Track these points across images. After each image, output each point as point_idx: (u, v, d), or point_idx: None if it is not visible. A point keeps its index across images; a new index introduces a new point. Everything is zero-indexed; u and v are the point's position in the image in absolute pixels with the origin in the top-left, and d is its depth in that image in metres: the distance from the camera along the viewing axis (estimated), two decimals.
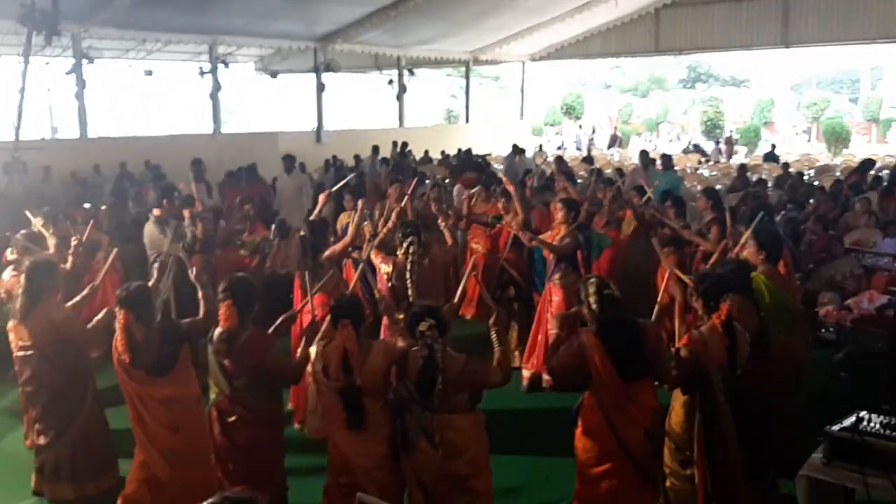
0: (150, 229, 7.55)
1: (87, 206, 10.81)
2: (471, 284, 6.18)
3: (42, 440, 5.01)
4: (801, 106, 38.17)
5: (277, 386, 4.57)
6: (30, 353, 4.93)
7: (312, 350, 4.36)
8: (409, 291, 5.57)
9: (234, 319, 4.23)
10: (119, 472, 5.05)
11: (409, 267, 5.60)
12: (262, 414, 4.38)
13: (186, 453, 4.32)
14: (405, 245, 5.65)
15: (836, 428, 4.11)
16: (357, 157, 16.97)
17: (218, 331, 4.29)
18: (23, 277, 4.99)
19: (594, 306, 4.25)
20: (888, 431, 4.03)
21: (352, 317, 4.10)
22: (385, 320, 5.83)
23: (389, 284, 5.67)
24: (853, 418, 4.16)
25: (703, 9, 22.07)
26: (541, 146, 24.13)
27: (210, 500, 2.17)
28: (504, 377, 4.11)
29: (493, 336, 4.20)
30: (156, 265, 7.00)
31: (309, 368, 4.44)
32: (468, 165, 13.70)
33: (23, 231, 6.46)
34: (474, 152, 19.61)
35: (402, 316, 4.87)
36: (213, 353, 4.31)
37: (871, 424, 4.11)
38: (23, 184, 12.35)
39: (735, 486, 4.21)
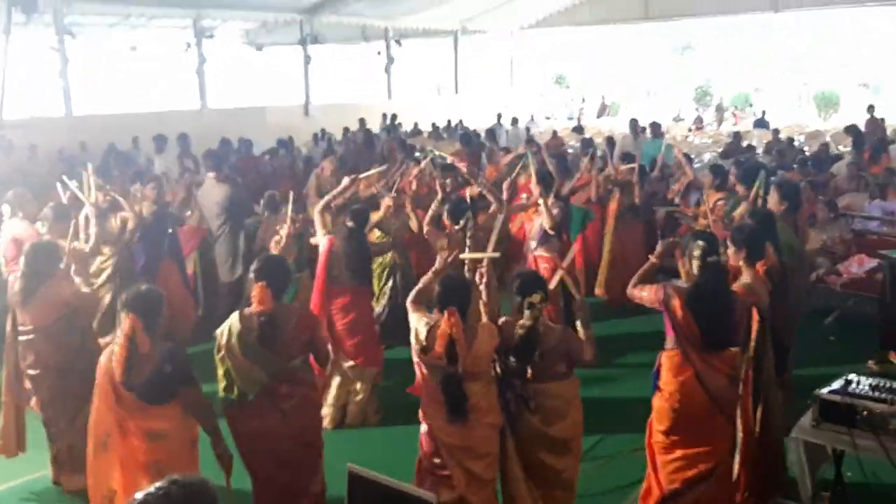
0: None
1: (73, 184, 10.71)
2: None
3: (53, 428, 4.88)
4: (790, 71, 38.06)
5: None
6: (31, 336, 4.78)
7: (415, 319, 4.10)
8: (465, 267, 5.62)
9: (269, 301, 4.03)
10: None
11: (467, 243, 5.63)
12: (316, 389, 4.33)
13: None
14: (462, 222, 5.83)
15: (825, 391, 4.14)
16: (346, 130, 16.87)
17: (255, 315, 4.05)
18: (21, 261, 4.84)
19: (695, 269, 4.22)
20: (876, 393, 4.05)
21: (460, 303, 3.93)
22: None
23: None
24: (842, 381, 4.19)
25: None
26: (532, 116, 23.97)
27: (158, 484, 2.07)
28: (593, 356, 4.15)
29: (579, 321, 4.17)
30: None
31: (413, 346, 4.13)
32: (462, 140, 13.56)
33: (51, 204, 6.27)
34: (465, 124, 19.58)
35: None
36: (252, 341, 4.03)
37: (860, 387, 4.14)
38: (9, 161, 12.24)
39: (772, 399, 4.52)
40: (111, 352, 3.88)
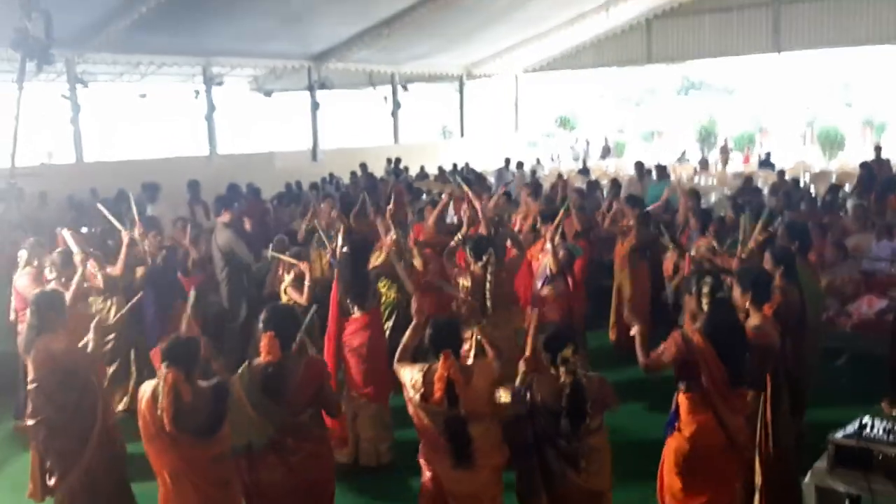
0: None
1: (83, 230, 10.81)
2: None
3: (50, 481, 4.81)
4: (795, 112, 38.35)
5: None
6: (32, 386, 4.76)
7: (405, 374, 4.11)
8: (488, 303, 5.60)
9: (277, 351, 3.97)
10: None
11: (488, 279, 5.65)
12: (326, 444, 4.25)
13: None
14: (484, 258, 5.77)
15: (839, 435, 4.11)
16: (353, 174, 17.01)
17: (261, 366, 4.00)
18: (29, 311, 4.85)
19: (705, 306, 4.21)
20: (891, 437, 4.02)
21: (452, 345, 3.94)
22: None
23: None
24: (856, 424, 4.15)
25: (695, 18, 22.19)
26: (538, 159, 24.15)
27: None
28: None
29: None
30: None
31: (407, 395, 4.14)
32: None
33: (59, 250, 6.33)
34: (471, 166, 19.72)
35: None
36: (258, 393, 3.99)
37: (875, 430, 4.10)
38: (19, 209, 12.34)
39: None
40: (151, 398, 3.95)
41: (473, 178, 14.95)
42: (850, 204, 10.96)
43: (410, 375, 4.02)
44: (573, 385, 3.76)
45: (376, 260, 6.67)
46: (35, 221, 11.89)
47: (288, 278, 6.74)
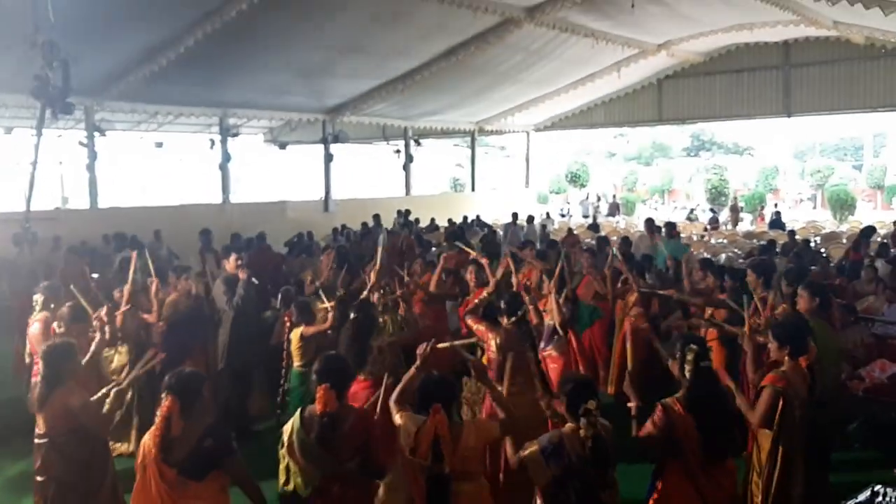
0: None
1: (95, 276, 10.87)
2: None
3: None
4: (806, 173, 38.54)
5: None
6: (42, 440, 4.70)
7: (399, 419, 4.09)
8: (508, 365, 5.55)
9: (334, 403, 3.98)
10: None
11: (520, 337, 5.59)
12: (371, 491, 4.24)
13: None
14: (520, 314, 5.68)
15: (851, 503, 4.03)
16: (364, 225, 17.11)
17: (317, 415, 4.00)
18: (41, 364, 4.79)
19: (688, 374, 4.19)
20: None
21: (444, 399, 3.88)
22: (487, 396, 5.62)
23: (497, 357, 5.58)
24: (868, 492, 4.07)
25: (706, 79, 22.47)
26: (547, 214, 24.28)
27: None
28: None
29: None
30: None
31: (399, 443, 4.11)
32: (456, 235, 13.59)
33: (69, 304, 6.31)
34: (482, 219, 19.85)
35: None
36: (313, 440, 3.97)
37: (887, 499, 4.02)
38: (32, 254, 12.44)
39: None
40: (152, 430, 3.95)
41: (486, 232, 15.00)
42: (878, 264, 10.91)
43: (404, 424, 4.00)
44: (595, 438, 3.70)
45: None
46: (48, 265, 11.96)
47: (297, 330, 6.72)
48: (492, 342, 5.70)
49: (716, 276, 7.88)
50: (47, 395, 4.63)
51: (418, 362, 4.32)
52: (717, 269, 8.33)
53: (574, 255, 9.64)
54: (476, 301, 6.49)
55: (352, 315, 6.04)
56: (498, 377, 5.44)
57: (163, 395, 3.93)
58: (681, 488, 4.03)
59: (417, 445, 3.85)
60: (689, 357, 4.15)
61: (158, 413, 3.89)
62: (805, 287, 6.03)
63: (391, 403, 4.18)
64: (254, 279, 7.67)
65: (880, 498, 4.03)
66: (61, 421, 4.61)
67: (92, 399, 4.76)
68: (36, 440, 4.76)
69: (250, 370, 7.57)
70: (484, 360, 5.77)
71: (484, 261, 7.50)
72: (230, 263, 7.60)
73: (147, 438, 3.97)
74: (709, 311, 7.28)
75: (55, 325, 6.14)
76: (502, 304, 5.84)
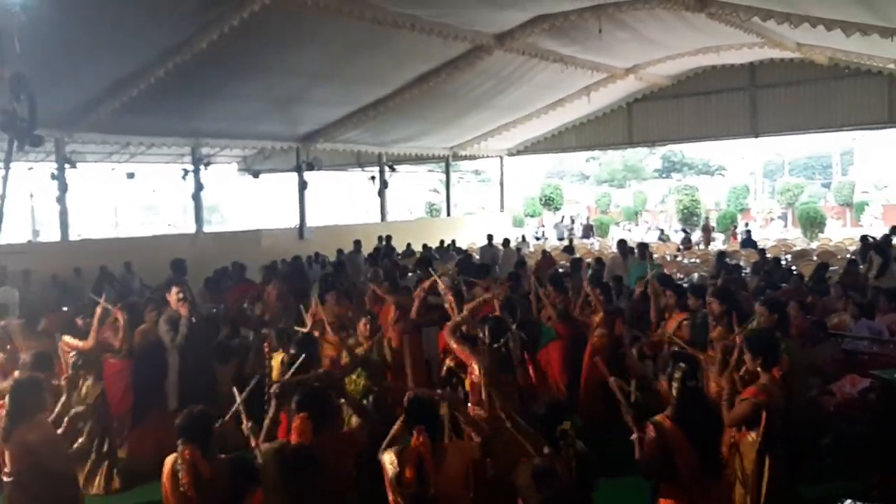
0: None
1: (65, 308, 10.75)
2: None
3: None
4: (776, 192, 39.08)
5: None
6: (9, 479, 4.62)
7: (385, 457, 4.03)
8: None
9: (309, 434, 3.97)
10: None
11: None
12: None
13: None
14: (502, 340, 5.68)
15: None
16: (339, 252, 17.08)
17: (290, 448, 3.98)
18: (7, 398, 4.73)
19: (675, 392, 4.23)
20: None
21: (427, 421, 3.89)
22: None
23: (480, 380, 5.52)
24: None
25: (674, 102, 22.78)
26: (523, 237, 24.39)
27: None
28: None
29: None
30: None
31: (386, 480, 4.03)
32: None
33: (31, 352, 6.15)
34: (457, 245, 19.89)
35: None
36: (290, 473, 3.94)
37: None
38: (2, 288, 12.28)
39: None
40: (171, 473, 3.92)
41: (462, 256, 15.05)
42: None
43: (389, 458, 3.97)
44: (578, 458, 3.71)
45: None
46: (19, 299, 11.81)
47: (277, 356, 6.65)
48: (475, 365, 5.70)
49: (675, 293, 7.83)
50: (11, 430, 4.58)
51: (404, 416, 4.17)
52: (675, 287, 8.25)
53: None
54: (453, 323, 6.47)
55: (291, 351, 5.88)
56: (479, 400, 5.43)
57: (178, 443, 3.91)
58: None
59: (402, 470, 3.82)
60: (677, 375, 4.22)
61: (181, 464, 3.87)
62: (763, 303, 6.16)
63: (381, 455, 4.06)
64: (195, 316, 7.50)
65: None
66: (23, 458, 4.55)
67: (55, 434, 4.70)
68: (3, 478, 4.69)
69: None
70: (467, 383, 5.79)
71: (449, 297, 7.41)
72: (172, 297, 7.40)
73: (168, 484, 3.93)
74: (670, 327, 7.30)
75: (17, 373, 6.00)
76: (487, 329, 5.86)
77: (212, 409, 7.02)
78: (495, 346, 5.67)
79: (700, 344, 6.28)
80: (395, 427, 4.22)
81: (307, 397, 4.14)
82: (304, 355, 4.99)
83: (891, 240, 14.57)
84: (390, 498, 3.97)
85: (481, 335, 5.81)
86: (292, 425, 4.01)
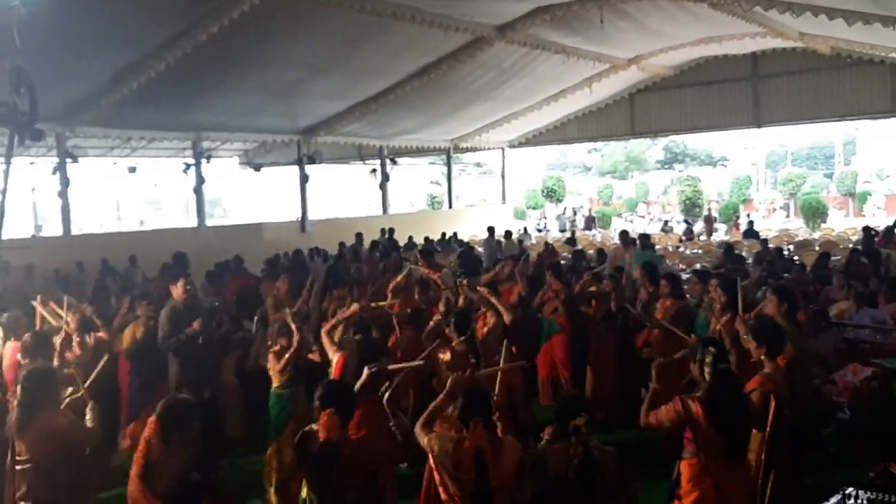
0: None
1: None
2: None
3: None
4: (778, 182, 38.98)
5: None
6: (26, 466, 4.63)
7: (434, 443, 3.91)
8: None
9: (336, 429, 3.89)
10: None
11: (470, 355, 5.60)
12: None
13: None
14: (469, 333, 5.74)
15: None
16: (341, 245, 17.08)
17: (319, 443, 3.91)
18: (19, 389, 4.72)
19: (707, 376, 4.23)
20: None
21: (483, 414, 3.84)
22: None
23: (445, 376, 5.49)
24: (839, 496, 4.12)
25: (676, 92, 22.71)
26: (525, 229, 24.38)
27: None
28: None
29: None
30: None
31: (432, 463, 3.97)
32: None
33: (30, 332, 6.15)
34: (459, 237, 19.88)
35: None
36: (313, 466, 3.89)
37: (858, 501, 4.07)
38: (4, 282, 12.29)
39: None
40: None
41: (464, 249, 15.00)
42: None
43: (439, 443, 3.88)
44: (584, 456, 3.66)
45: None
46: (20, 294, 11.81)
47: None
48: (442, 363, 5.72)
49: (668, 282, 7.84)
50: (28, 420, 4.59)
51: (449, 387, 4.17)
52: (655, 274, 8.29)
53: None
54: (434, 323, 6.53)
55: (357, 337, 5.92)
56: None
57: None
58: (701, 487, 4.03)
59: (458, 462, 3.77)
60: (708, 359, 4.26)
61: (143, 434, 3.90)
62: (774, 291, 6.09)
63: (417, 429, 4.05)
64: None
65: (851, 500, 4.09)
66: (47, 442, 4.57)
67: (74, 417, 4.76)
68: (18, 466, 4.70)
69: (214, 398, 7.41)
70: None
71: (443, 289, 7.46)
72: (177, 289, 7.35)
73: (134, 466, 3.94)
74: (658, 312, 7.37)
75: (19, 355, 6.04)
76: (451, 324, 5.87)
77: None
78: (461, 339, 5.72)
79: (684, 327, 6.55)
80: (437, 401, 4.15)
81: (332, 393, 4.04)
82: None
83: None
84: (438, 480, 3.87)
85: (447, 330, 5.87)
86: (319, 422, 3.93)
